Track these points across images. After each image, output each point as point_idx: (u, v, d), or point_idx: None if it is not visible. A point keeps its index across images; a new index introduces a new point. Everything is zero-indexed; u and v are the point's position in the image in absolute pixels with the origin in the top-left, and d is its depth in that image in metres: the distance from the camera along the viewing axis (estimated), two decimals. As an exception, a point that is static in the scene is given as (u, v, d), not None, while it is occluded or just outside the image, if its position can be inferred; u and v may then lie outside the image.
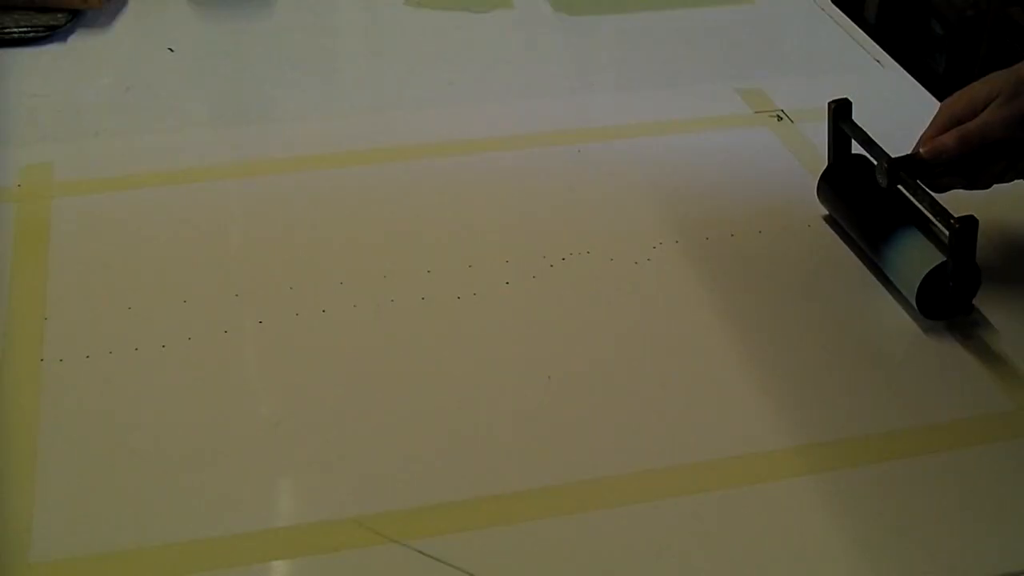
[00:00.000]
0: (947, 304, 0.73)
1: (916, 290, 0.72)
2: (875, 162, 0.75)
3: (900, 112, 0.97)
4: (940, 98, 0.98)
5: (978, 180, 0.75)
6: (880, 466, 0.64)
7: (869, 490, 0.63)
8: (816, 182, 0.82)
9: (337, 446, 0.65)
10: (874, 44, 1.09)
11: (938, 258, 0.72)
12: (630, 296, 0.76)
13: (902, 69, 1.03)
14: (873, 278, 0.78)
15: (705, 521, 0.61)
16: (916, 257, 0.73)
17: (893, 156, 0.74)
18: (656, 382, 0.69)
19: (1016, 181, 0.88)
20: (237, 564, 0.58)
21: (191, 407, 0.66)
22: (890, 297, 0.76)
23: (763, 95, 0.99)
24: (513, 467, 0.63)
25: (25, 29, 1.06)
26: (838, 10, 1.17)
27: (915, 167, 0.73)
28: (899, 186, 0.74)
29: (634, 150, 0.92)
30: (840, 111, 0.79)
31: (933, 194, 0.73)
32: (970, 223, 0.69)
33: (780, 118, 0.96)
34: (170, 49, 1.07)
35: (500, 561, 0.58)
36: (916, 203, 0.73)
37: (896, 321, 0.75)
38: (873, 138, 0.77)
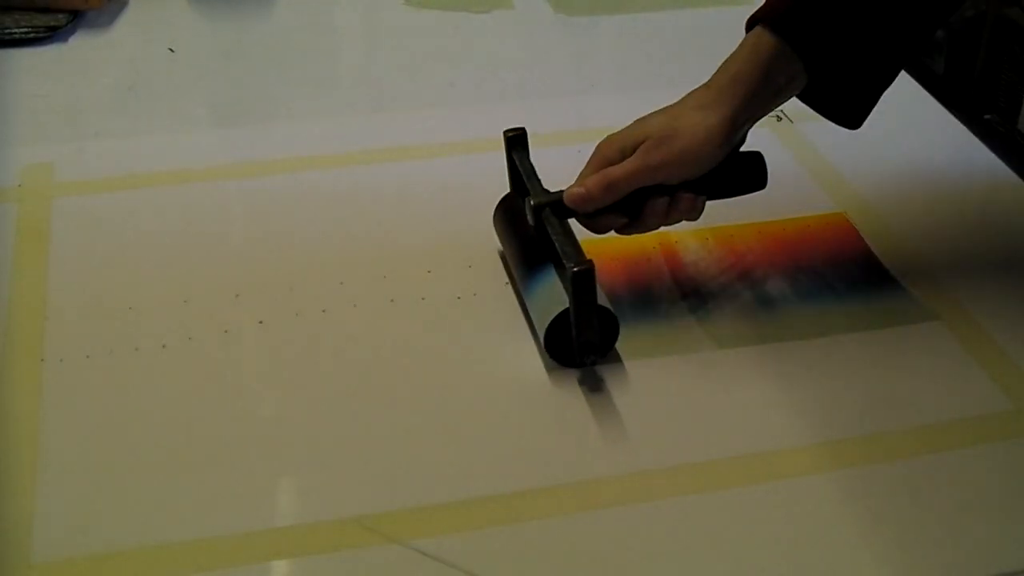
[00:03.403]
0: (579, 350, 0.68)
1: (544, 335, 0.68)
2: (528, 199, 0.71)
3: (899, 112, 0.97)
4: (940, 98, 0.98)
5: (641, 222, 0.70)
6: (880, 466, 0.64)
7: (869, 490, 0.63)
8: (822, 176, 0.81)
9: (337, 446, 0.65)
10: (874, 44, 1.08)
11: (563, 304, 0.67)
12: (629, 295, 0.76)
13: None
14: (873, 278, 0.78)
15: (705, 521, 0.61)
16: (544, 302, 0.69)
17: (551, 192, 0.70)
18: (656, 382, 0.69)
19: (1012, 183, 0.89)
20: (237, 564, 0.58)
21: (191, 407, 0.67)
22: (900, 291, 0.76)
23: (763, 95, 0.99)
24: (513, 467, 0.63)
25: (26, 29, 1.06)
26: (838, 10, 1.17)
27: (564, 209, 0.69)
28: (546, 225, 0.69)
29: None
30: (513, 141, 0.76)
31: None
32: (585, 271, 0.64)
33: (780, 118, 0.96)
34: (170, 49, 1.07)
35: (500, 561, 0.58)
36: (554, 243, 0.68)
37: (896, 320, 0.75)
38: (536, 173, 0.73)
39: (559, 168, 0.89)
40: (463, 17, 1.15)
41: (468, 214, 0.84)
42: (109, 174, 0.88)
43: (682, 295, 0.76)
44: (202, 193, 0.86)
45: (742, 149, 0.70)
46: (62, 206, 0.84)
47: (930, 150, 0.92)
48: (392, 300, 0.75)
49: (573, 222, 0.70)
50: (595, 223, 0.70)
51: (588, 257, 0.65)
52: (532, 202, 0.70)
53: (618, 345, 0.71)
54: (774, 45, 0.66)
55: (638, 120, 0.70)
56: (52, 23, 1.07)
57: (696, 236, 0.81)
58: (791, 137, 0.94)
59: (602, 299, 0.69)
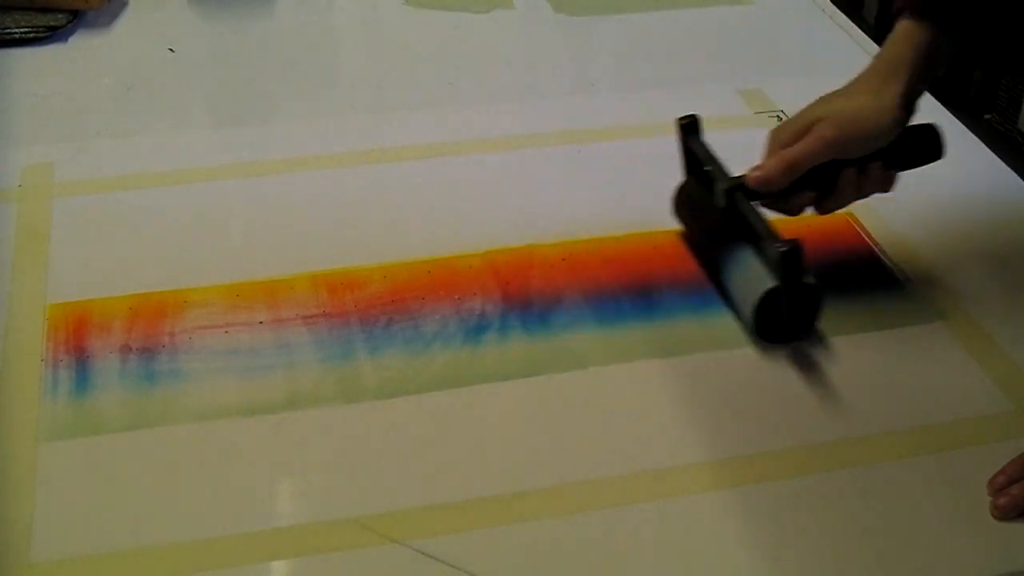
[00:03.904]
0: (786, 327, 0.71)
1: (752, 313, 0.70)
2: (715, 183, 0.73)
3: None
4: (939, 98, 0.98)
5: (836, 196, 0.72)
6: (880, 466, 0.64)
7: (869, 490, 0.63)
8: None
9: (337, 446, 0.65)
10: (874, 44, 1.08)
11: (769, 282, 0.70)
12: (630, 295, 0.76)
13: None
14: (874, 278, 0.78)
15: (705, 521, 0.61)
16: (750, 281, 0.71)
17: (734, 176, 0.72)
18: (656, 381, 0.69)
19: (1012, 182, 0.89)
20: (237, 564, 0.58)
21: (191, 407, 0.66)
22: (901, 292, 0.76)
23: (763, 95, 0.99)
24: (513, 467, 0.63)
25: (25, 29, 1.06)
26: (838, 10, 1.17)
27: (752, 191, 0.71)
28: (738, 207, 0.72)
29: (634, 150, 0.92)
30: (688, 128, 0.77)
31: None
32: (794, 249, 0.67)
33: (780, 118, 0.96)
34: (170, 49, 1.07)
35: (500, 561, 0.58)
36: (752, 225, 0.71)
37: (896, 320, 0.75)
38: (716, 157, 0.75)
39: (559, 168, 0.89)
40: (463, 17, 1.15)
41: (469, 214, 0.84)
42: (109, 174, 0.88)
43: (682, 294, 0.76)
44: (202, 193, 0.86)
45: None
46: (62, 206, 0.84)
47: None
48: (392, 300, 0.75)
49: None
50: (786, 204, 0.73)
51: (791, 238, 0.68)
52: (723, 186, 0.72)
53: (616, 346, 0.71)
54: (924, 31, 0.70)
55: (808, 105, 0.72)
56: (52, 23, 1.07)
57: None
58: (791, 137, 0.93)
59: (810, 277, 0.70)
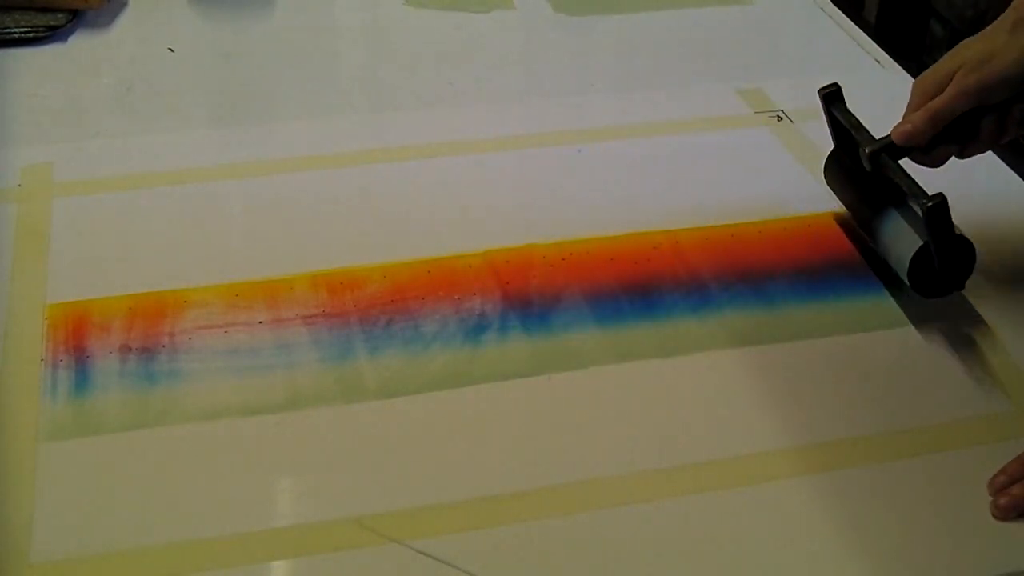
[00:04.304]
0: (941, 282, 0.73)
1: (907, 272, 0.72)
2: (860, 147, 0.75)
3: (899, 112, 0.97)
4: (940, 98, 0.98)
5: (979, 141, 0.73)
6: (880, 466, 0.64)
7: (869, 490, 0.63)
8: (821, 175, 0.82)
9: (337, 446, 0.65)
10: (874, 44, 1.08)
11: (920, 240, 0.72)
12: (630, 295, 0.76)
13: (902, 69, 1.03)
14: (875, 278, 0.78)
15: (705, 521, 0.61)
16: (903, 240, 0.73)
17: (878, 139, 0.74)
18: (656, 382, 0.69)
19: (1012, 182, 0.88)
20: (237, 564, 0.58)
21: (191, 407, 0.66)
22: (899, 294, 0.76)
23: (763, 95, 0.99)
24: (513, 467, 0.63)
25: (25, 29, 1.06)
26: (838, 10, 1.17)
27: (897, 150, 0.73)
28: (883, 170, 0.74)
29: (634, 150, 0.92)
30: (830, 97, 0.79)
31: (920, 171, 0.72)
32: (939, 203, 0.69)
33: (780, 118, 0.96)
34: (170, 49, 1.07)
35: (500, 561, 0.58)
36: (898, 185, 0.73)
37: (897, 320, 0.75)
38: (861, 123, 0.77)
39: (559, 168, 0.89)
40: (463, 17, 1.15)
41: (469, 214, 0.84)
42: (109, 174, 0.88)
43: (682, 294, 0.76)
44: (202, 193, 0.86)
45: None
46: (62, 206, 0.84)
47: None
48: (392, 300, 0.75)
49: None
50: (931, 157, 0.73)
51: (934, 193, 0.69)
52: (868, 150, 0.73)
53: (616, 346, 0.71)
54: None
55: (949, 54, 0.72)
56: (52, 23, 1.07)
57: (695, 235, 0.81)
58: (791, 137, 0.93)
59: (958, 230, 0.72)
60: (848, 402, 0.68)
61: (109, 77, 1.02)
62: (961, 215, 0.84)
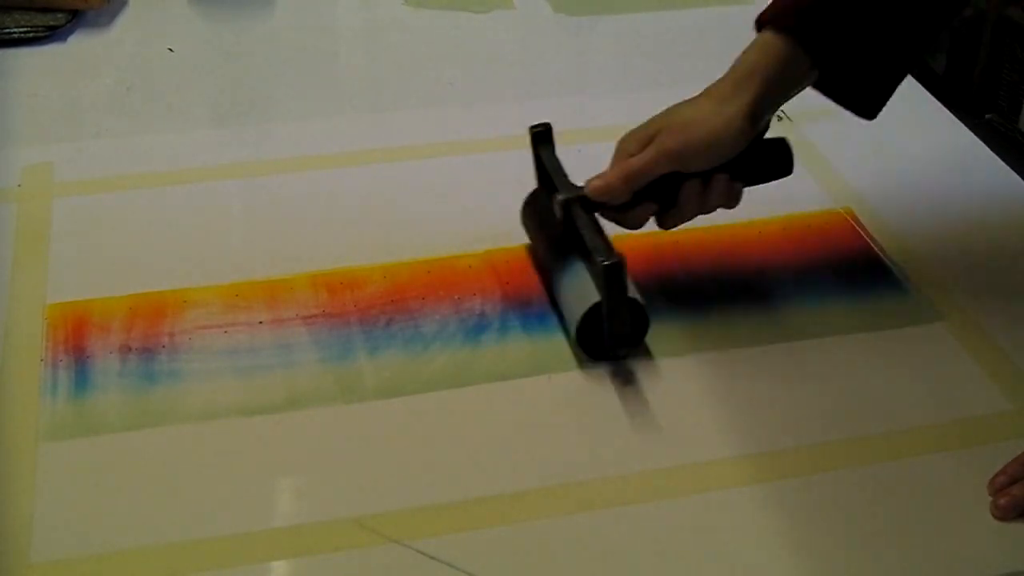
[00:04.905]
0: (610, 342, 0.69)
1: (576, 331, 0.69)
2: (555, 194, 0.72)
3: (900, 112, 0.97)
4: (940, 98, 0.98)
5: (678, 209, 0.70)
6: (881, 466, 0.64)
7: (870, 490, 0.63)
8: (821, 175, 0.82)
9: (337, 446, 0.65)
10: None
11: (593, 298, 0.68)
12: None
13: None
14: (875, 279, 0.78)
15: (705, 521, 0.61)
16: (577, 295, 0.70)
17: (578, 187, 0.71)
18: (656, 382, 0.69)
19: (1012, 182, 0.88)
20: (237, 564, 0.58)
21: (191, 407, 0.66)
22: (901, 291, 0.76)
23: (763, 95, 0.99)
24: (513, 467, 0.63)
25: (25, 29, 1.06)
26: (838, 10, 1.17)
27: (591, 203, 0.70)
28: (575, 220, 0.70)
29: (634, 150, 0.92)
30: (539, 137, 0.76)
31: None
32: (615, 264, 0.65)
33: (780, 118, 0.96)
34: (170, 49, 1.07)
35: (500, 561, 0.58)
36: (582, 238, 0.69)
37: (897, 320, 0.75)
38: (563, 168, 0.73)
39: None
40: (463, 17, 1.15)
41: (469, 214, 0.84)
42: (109, 174, 0.88)
43: (682, 294, 0.76)
44: (202, 193, 0.86)
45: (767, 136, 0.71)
46: (62, 206, 0.84)
47: (930, 150, 0.92)
48: (392, 300, 0.75)
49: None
50: (627, 217, 0.71)
51: (618, 252, 0.66)
52: (559, 197, 0.71)
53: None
54: (784, 44, 0.67)
55: (658, 113, 0.70)
56: (51, 23, 1.07)
57: (694, 235, 0.81)
58: (791, 137, 0.93)
59: (632, 292, 0.69)
60: (848, 402, 0.68)
61: (109, 77, 1.02)
62: (961, 215, 0.84)
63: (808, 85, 0.70)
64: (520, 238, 0.80)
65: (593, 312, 0.68)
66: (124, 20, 1.12)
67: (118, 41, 1.08)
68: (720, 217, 0.82)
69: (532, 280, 0.77)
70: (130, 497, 0.61)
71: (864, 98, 0.71)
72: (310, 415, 0.66)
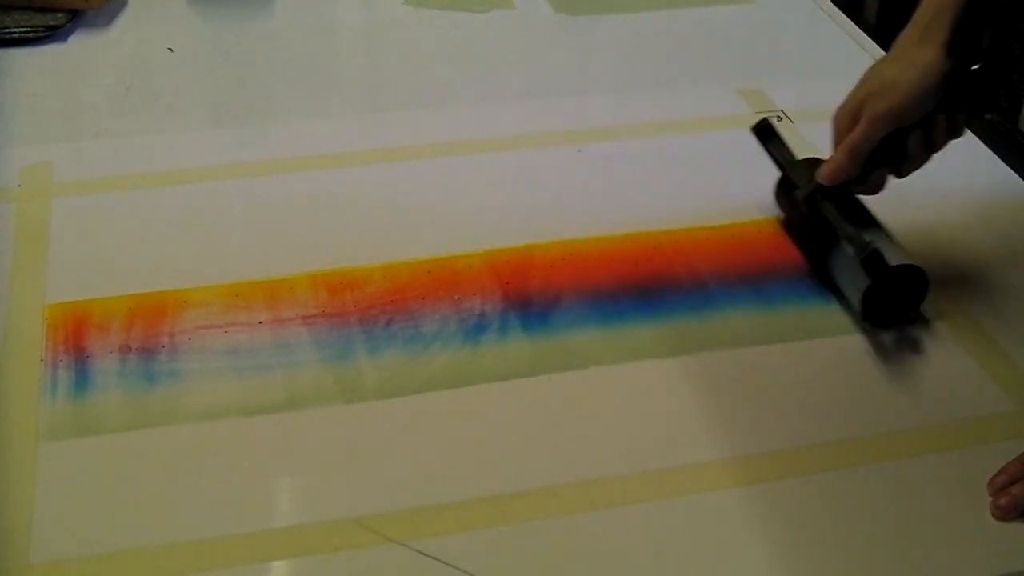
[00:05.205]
0: (895, 312, 0.73)
1: (860, 309, 0.72)
2: (795, 191, 0.75)
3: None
4: (940, 98, 0.98)
5: (911, 160, 0.72)
6: (881, 466, 0.64)
7: (870, 490, 0.63)
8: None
9: (337, 446, 0.65)
10: (874, 44, 1.09)
11: (864, 282, 0.71)
12: (630, 295, 0.76)
13: (902, 69, 1.03)
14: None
15: (705, 521, 0.61)
16: (849, 282, 0.73)
17: (812, 173, 0.74)
18: (656, 382, 0.69)
19: (1012, 182, 0.88)
20: (237, 564, 0.58)
21: (190, 407, 0.66)
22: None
23: (763, 95, 0.99)
24: (513, 467, 0.63)
25: (25, 29, 1.06)
26: (838, 10, 1.17)
27: (829, 189, 0.73)
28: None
29: (634, 150, 0.92)
30: (762, 133, 0.79)
31: (857, 206, 0.74)
32: (872, 254, 0.69)
33: (780, 118, 0.95)
34: (170, 49, 1.07)
35: (500, 561, 0.58)
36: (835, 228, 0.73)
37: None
38: (791, 160, 0.76)
39: (559, 168, 0.89)
40: (463, 17, 1.15)
41: (469, 214, 0.84)
42: (109, 174, 0.88)
43: (682, 294, 0.76)
44: (202, 193, 0.86)
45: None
46: (61, 206, 0.84)
47: (930, 150, 0.92)
48: (392, 300, 0.75)
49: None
50: (867, 186, 0.73)
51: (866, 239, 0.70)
52: (801, 194, 0.74)
53: (616, 346, 0.71)
54: None
55: (860, 80, 0.71)
56: (51, 23, 1.07)
57: (695, 235, 0.81)
58: (791, 137, 0.93)
59: (901, 258, 0.71)
60: (848, 402, 0.68)
61: (108, 77, 1.02)
62: (961, 215, 0.85)
63: (1006, 15, 0.69)
64: (520, 238, 0.80)
65: (869, 295, 0.71)
66: (124, 20, 1.12)
67: (118, 41, 1.08)
68: (720, 217, 0.82)
69: (532, 280, 0.77)
70: (130, 497, 0.61)
71: None
72: (310, 415, 0.66)
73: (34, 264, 0.77)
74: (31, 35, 1.06)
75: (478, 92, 1.02)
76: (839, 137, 0.72)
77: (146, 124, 0.95)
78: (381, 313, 0.74)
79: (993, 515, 0.61)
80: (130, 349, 0.70)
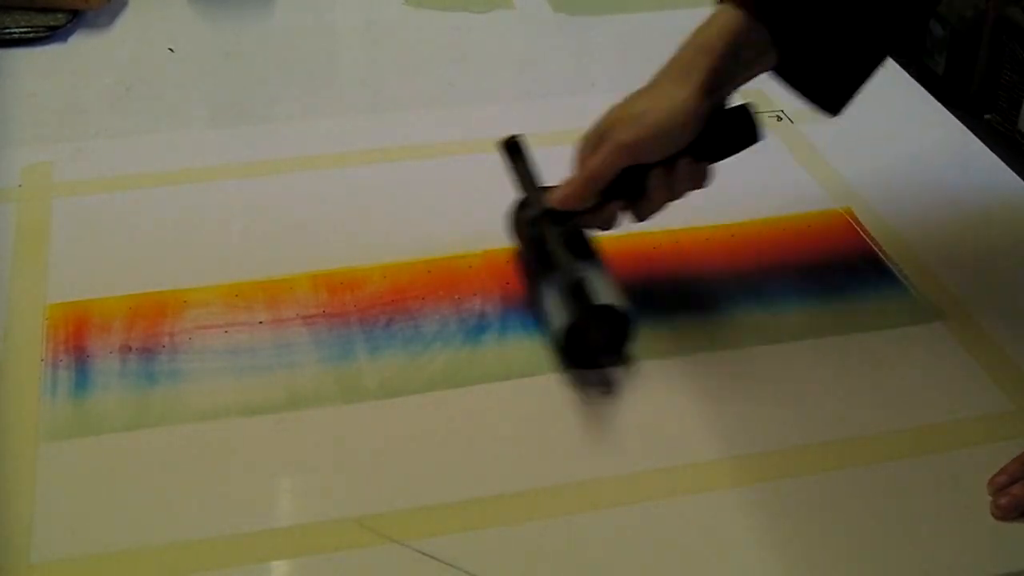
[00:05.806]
0: (595, 352, 0.69)
1: (559, 344, 0.68)
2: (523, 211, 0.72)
3: (900, 112, 0.97)
4: (940, 98, 0.98)
5: (647, 200, 0.68)
6: (881, 466, 0.64)
7: (870, 490, 0.63)
8: (822, 175, 0.81)
9: (337, 446, 0.65)
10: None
11: (566, 317, 0.67)
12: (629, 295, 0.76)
13: (902, 69, 1.03)
14: (873, 279, 0.78)
15: (705, 521, 0.61)
16: (556, 308, 0.69)
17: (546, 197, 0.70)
18: (656, 381, 0.69)
19: (1012, 182, 0.89)
20: (237, 564, 0.58)
21: (191, 407, 0.66)
22: (900, 291, 0.76)
23: (763, 95, 0.99)
24: (513, 467, 0.63)
25: (25, 29, 1.06)
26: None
27: (561, 214, 0.68)
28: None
29: (634, 150, 0.92)
30: (510, 149, 0.74)
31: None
32: (575, 281, 0.66)
33: (780, 118, 0.96)
34: (170, 49, 1.07)
35: (500, 561, 0.58)
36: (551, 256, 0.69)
37: (896, 320, 0.75)
38: (531, 180, 0.72)
39: (559, 168, 0.89)
40: (463, 17, 1.15)
41: (469, 214, 0.84)
42: (109, 174, 0.88)
43: (682, 295, 0.76)
44: (202, 193, 0.86)
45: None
46: (61, 206, 0.84)
47: (930, 150, 0.92)
48: (392, 300, 0.75)
49: None
50: (598, 218, 0.69)
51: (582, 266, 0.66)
52: (528, 215, 0.71)
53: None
54: (739, 16, 0.64)
55: (609, 110, 0.67)
56: (51, 23, 1.07)
57: (695, 235, 0.81)
58: (791, 137, 0.94)
59: (609, 298, 0.68)
60: (848, 402, 0.68)
61: (109, 77, 1.02)
62: (961, 215, 0.84)
63: (768, 67, 0.66)
64: (520, 238, 0.80)
65: (570, 330, 0.67)
66: (124, 20, 1.12)
67: (118, 41, 1.09)
68: (720, 217, 0.82)
69: (532, 280, 0.77)
70: (130, 497, 0.61)
71: (828, 90, 0.67)
72: (310, 415, 0.66)
73: (34, 264, 0.77)
74: (31, 35, 1.06)
75: (478, 92, 1.02)
76: (577, 164, 0.68)
77: (146, 124, 0.95)
78: (381, 313, 0.74)
79: (993, 515, 0.61)
80: (130, 349, 0.70)
